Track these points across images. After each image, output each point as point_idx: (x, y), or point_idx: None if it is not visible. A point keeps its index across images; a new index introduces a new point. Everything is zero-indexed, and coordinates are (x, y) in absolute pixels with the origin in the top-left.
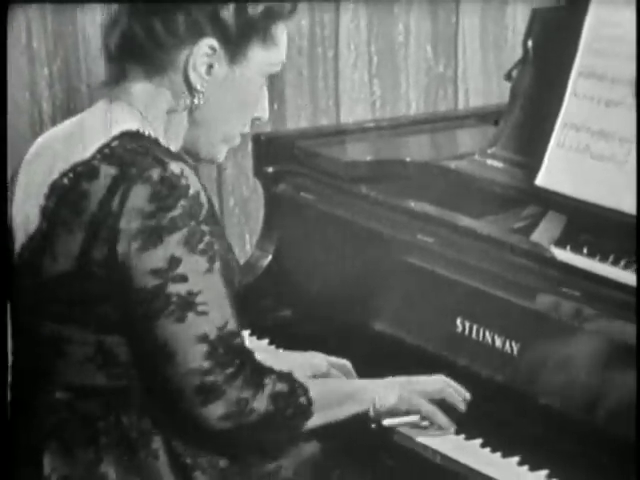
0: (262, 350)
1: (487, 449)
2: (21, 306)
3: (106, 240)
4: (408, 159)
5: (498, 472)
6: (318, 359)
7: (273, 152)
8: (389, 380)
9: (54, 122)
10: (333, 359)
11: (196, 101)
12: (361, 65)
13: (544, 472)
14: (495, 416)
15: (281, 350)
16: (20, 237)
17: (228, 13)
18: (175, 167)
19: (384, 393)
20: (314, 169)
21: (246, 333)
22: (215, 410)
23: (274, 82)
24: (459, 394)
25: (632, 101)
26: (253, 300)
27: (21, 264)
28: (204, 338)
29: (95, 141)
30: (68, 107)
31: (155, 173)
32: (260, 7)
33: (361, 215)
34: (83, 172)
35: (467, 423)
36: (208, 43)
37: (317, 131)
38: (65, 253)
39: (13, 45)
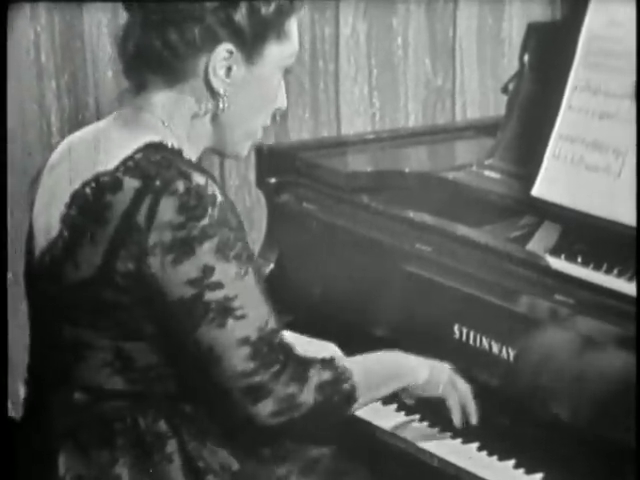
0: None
1: (484, 452)
2: (40, 309)
3: (134, 253)
4: (407, 170)
5: (494, 475)
6: (333, 347)
7: (275, 163)
8: (438, 365)
9: (62, 134)
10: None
11: (220, 105)
12: (361, 78)
13: (539, 475)
14: (491, 420)
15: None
16: (40, 242)
17: (241, 16)
18: (199, 178)
19: (433, 378)
20: (315, 180)
21: None
22: (265, 408)
23: None
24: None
25: (625, 113)
26: None
27: (41, 268)
28: (246, 340)
29: (118, 151)
30: (76, 119)
31: (180, 185)
32: (272, 6)
33: (361, 224)
34: (106, 183)
35: (464, 427)
36: (225, 48)
37: (318, 143)
38: (87, 261)
39: (22, 59)
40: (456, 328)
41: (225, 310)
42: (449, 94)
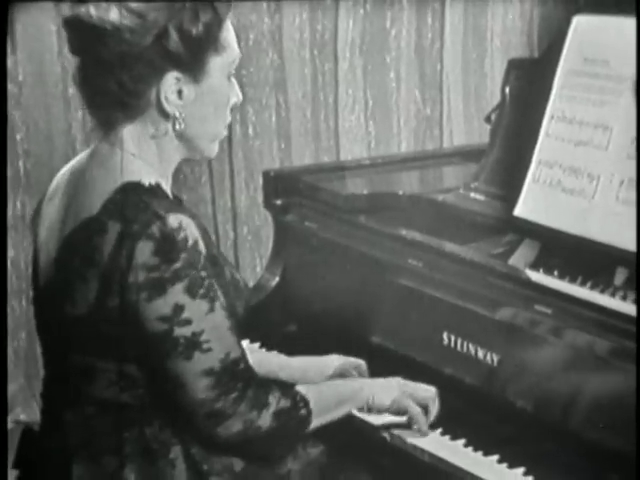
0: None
1: (470, 448)
2: (47, 337)
3: (118, 292)
4: (400, 192)
5: (480, 469)
6: (334, 357)
7: (281, 186)
8: (386, 381)
9: None
10: (350, 359)
11: (177, 127)
12: (358, 108)
13: (521, 470)
14: (477, 419)
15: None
16: (42, 277)
17: (175, 44)
18: (173, 220)
19: (380, 394)
20: (317, 201)
21: (256, 345)
22: (224, 431)
23: (282, 124)
24: (434, 411)
25: (598, 141)
26: (263, 316)
27: (45, 302)
28: (210, 372)
29: (100, 194)
30: None
31: (156, 229)
32: (200, 26)
33: (359, 242)
34: (93, 228)
35: (452, 425)
36: (171, 76)
37: (319, 167)
38: (82, 299)
39: (50, 91)
40: (445, 335)
41: (193, 344)
42: (437, 123)
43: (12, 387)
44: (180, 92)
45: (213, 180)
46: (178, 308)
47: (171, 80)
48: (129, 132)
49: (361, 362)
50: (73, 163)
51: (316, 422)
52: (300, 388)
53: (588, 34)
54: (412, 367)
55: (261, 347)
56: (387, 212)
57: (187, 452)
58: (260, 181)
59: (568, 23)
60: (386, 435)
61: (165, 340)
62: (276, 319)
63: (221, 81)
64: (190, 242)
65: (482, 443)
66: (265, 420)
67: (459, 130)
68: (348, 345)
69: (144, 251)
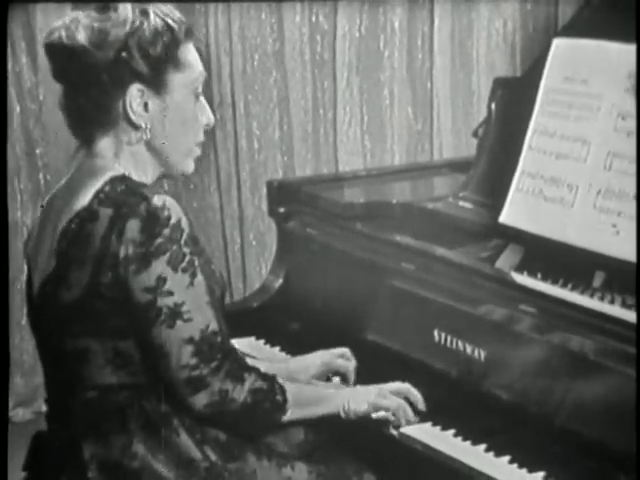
0: (281, 357)
1: (459, 438)
2: (44, 331)
3: (110, 267)
4: (394, 201)
5: (468, 457)
6: (318, 354)
7: (284, 196)
8: (364, 388)
9: None
10: (335, 350)
11: (144, 136)
12: (355, 124)
13: (507, 458)
14: (465, 411)
15: (289, 355)
16: (37, 281)
17: (136, 61)
18: (157, 200)
19: (355, 400)
20: (317, 209)
21: (261, 342)
22: (200, 399)
23: (285, 139)
24: (417, 398)
25: (577, 153)
26: (267, 315)
27: (41, 299)
28: (190, 340)
29: (89, 188)
30: None
31: (142, 208)
32: (158, 46)
33: (356, 246)
34: (86, 216)
35: (442, 416)
36: (135, 87)
37: (319, 178)
38: (77, 283)
39: None
40: (436, 333)
41: (175, 314)
42: (428, 137)
43: (35, 380)
44: (146, 105)
45: (221, 190)
46: (161, 280)
47: (135, 92)
48: (106, 144)
49: (344, 350)
50: (61, 184)
51: (290, 414)
52: (280, 379)
53: (567, 55)
54: (405, 362)
55: (266, 344)
56: (382, 219)
57: (183, 422)
58: (264, 191)
59: (548, 45)
60: (382, 427)
61: (149, 310)
62: (279, 318)
63: (185, 97)
64: (173, 220)
65: (470, 433)
66: (239, 394)
67: (448, 144)
68: (346, 342)
69: (133, 228)
